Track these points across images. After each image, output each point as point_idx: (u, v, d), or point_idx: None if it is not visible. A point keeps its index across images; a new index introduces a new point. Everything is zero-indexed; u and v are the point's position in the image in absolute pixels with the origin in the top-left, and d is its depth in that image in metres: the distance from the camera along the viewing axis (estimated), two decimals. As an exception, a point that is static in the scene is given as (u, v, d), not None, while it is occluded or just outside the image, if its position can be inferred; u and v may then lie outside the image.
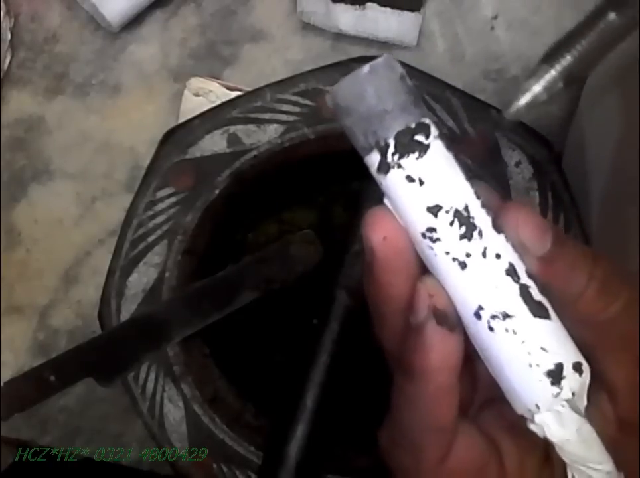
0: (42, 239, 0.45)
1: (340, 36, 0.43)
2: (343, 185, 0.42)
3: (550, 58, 0.25)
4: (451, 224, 0.19)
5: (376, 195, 0.20)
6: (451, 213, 0.19)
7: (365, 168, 0.20)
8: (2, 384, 0.33)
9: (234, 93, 0.42)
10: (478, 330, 0.19)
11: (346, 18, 0.42)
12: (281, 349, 0.41)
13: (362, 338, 0.34)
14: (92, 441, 0.45)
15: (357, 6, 0.41)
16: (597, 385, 0.20)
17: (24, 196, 0.45)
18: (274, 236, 0.41)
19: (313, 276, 0.34)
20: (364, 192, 0.33)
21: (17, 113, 0.45)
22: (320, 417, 0.32)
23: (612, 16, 0.25)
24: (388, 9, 0.41)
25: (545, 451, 0.22)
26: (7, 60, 0.44)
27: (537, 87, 0.25)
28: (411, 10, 0.41)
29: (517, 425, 0.21)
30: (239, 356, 0.40)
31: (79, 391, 0.45)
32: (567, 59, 0.25)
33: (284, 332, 0.41)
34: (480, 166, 0.35)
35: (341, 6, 0.41)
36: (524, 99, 0.25)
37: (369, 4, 0.41)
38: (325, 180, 0.41)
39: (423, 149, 0.19)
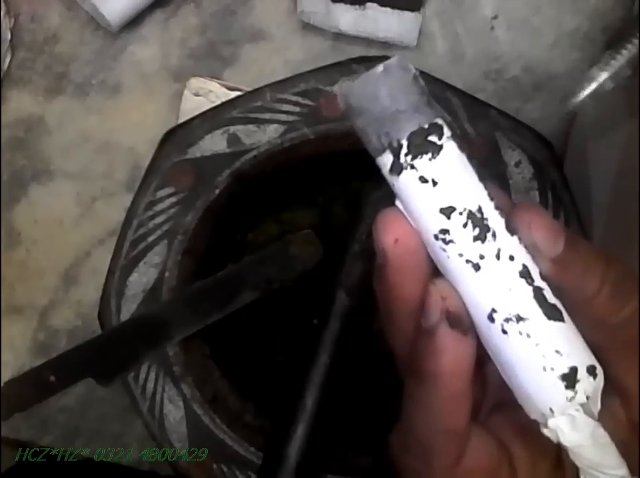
0: (42, 240, 0.45)
1: (340, 36, 0.43)
2: (343, 185, 0.42)
3: (614, 44, 0.23)
4: (465, 225, 0.19)
5: (379, 197, 0.20)
6: (465, 214, 0.19)
7: (375, 169, 0.20)
8: (2, 384, 0.33)
9: (234, 93, 0.42)
10: (491, 333, 0.19)
11: (346, 18, 0.42)
12: (281, 349, 0.41)
13: (360, 338, 0.34)
14: (92, 441, 0.45)
15: (357, 6, 0.41)
16: (609, 388, 0.20)
17: (24, 196, 0.45)
18: (274, 236, 0.41)
19: (313, 276, 0.34)
20: (366, 193, 0.33)
21: (17, 113, 0.45)
22: (320, 418, 0.32)
23: None
24: (388, 9, 0.41)
25: (556, 454, 0.22)
26: (7, 60, 0.44)
27: (603, 75, 0.23)
28: (411, 10, 0.41)
29: (528, 429, 0.20)
30: (239, 356, 0.40)
31: (79, 391, 0.45)
32: (634, 44, 0.22)
33: (284, 333, 0.41)
34: (481, 166, 0.34)
35: (341, 6, 0.41)
36: (589, 89, 0.23)
37: (369, 4, 0.41)
38: (325, 180, 0.41)
39: (436, 149, 0.19)
